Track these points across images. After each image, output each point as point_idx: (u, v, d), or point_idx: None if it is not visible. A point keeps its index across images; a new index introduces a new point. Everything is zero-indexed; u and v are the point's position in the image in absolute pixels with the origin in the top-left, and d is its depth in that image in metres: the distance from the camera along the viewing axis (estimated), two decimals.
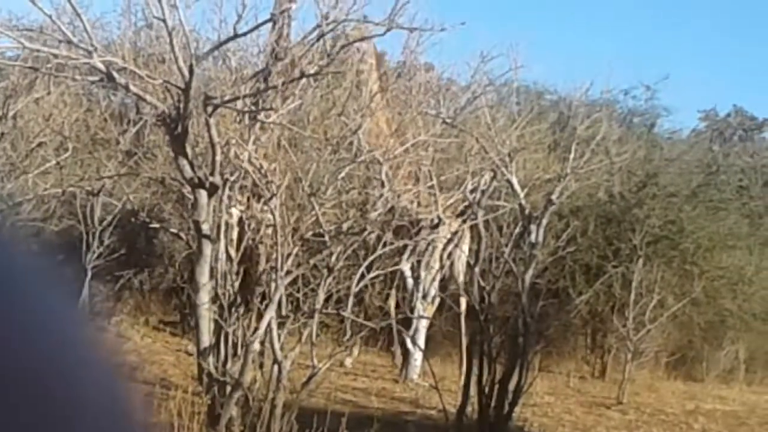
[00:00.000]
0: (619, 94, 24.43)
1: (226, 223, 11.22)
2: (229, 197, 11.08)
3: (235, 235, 11.59)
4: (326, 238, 11.22)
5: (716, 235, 19.70)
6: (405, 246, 14.24)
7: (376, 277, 14.29)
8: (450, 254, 15.63)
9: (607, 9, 50.34)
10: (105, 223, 15.27)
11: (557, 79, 32.37)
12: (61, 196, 15.35)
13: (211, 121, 9.40)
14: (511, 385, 12.54)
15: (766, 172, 29.10)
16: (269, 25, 10.46)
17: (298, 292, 11.83)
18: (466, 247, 15.87)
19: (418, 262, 15.11)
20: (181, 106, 9.19)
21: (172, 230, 12.50)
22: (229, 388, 9.80)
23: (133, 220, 15.19)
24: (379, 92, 14.00)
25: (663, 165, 20.79)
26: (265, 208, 11.23)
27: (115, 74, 9.17)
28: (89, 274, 15.62)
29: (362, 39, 11.40)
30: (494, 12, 42.01)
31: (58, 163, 14.89)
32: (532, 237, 17.03)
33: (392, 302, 16.20)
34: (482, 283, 16.66)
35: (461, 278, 16.00)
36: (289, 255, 10.84)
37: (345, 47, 10.73)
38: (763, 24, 49.18)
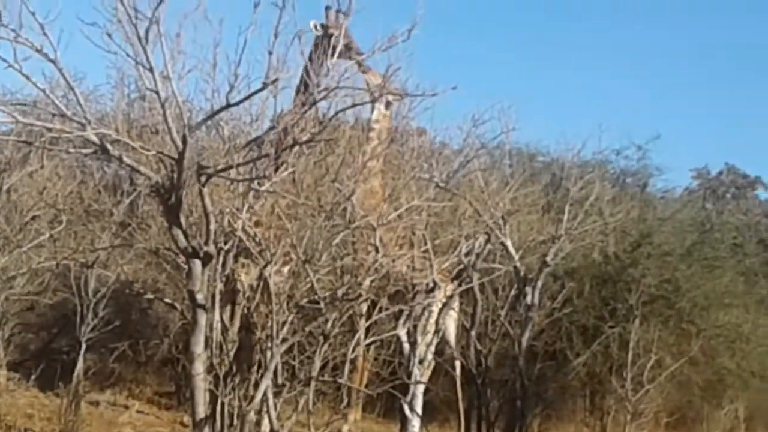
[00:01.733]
0: (610, 154, 24.63)
1: (232, 290, 11.21)
2: (243, 264, 11.10)
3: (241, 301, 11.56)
4: (321, 304, 11.19)
5: (712, 294, 19.67)
6: (401, 311, 14.19)
7: (372, 343, 14.24)
8: (443, 317, 15.58)
9: (597, 69, 50.74)
10: (99, 294, 15.21)
11: (549, 141, 32.65)
12: (55, 268, 15.34)
13: (205, 190, 9.42)
14: None
15: (760, 230, 29.19)
16: (262, 93, 10.52)
17: (294, 359, 11.77)
18: (455, 310, 15.82)
19: (414, 326, 15.03)
20: (175, 176, 9.22)
21: (167, 300, 12.45)
22: None
23: (127, 291, 15.17)
24: (374, 157, 14.04)
25: (657, 224, 20.82)
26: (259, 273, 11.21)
27: (108, 146, 9.20)
28: (84, 346, 15.52)
29: (353, 106, 11.45)
30: (485, 75, 42.37)
31: (51, 236, 14.90)
32: (528, 299, 17.03)
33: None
34: (479, 347, 16.63)
35: (452, 341, 15.93)
36: (284, 322, 10.81)
37: (337, 114, 10.78)
38: (753, 82, 49.61)
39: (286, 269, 11.49)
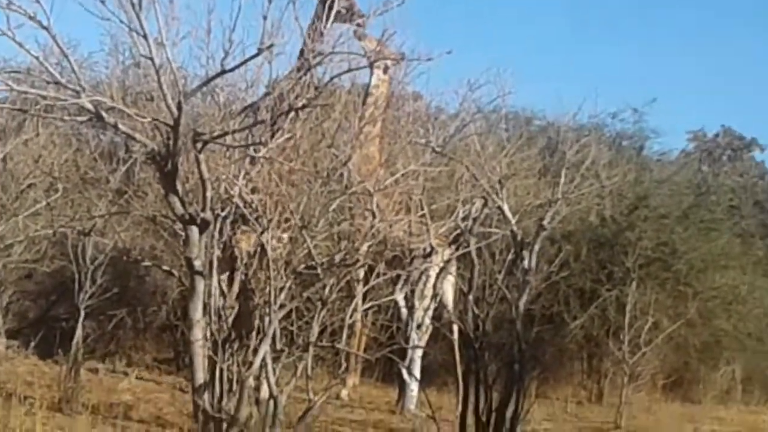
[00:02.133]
0: (606, 117, 24.57)
1: (230, 257, 11.21)
2: (243, 230, 11.09)
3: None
4: (319, 270, 11.20)
5: (709, 256, 19.73)
6: (398, 276, 14.22)
7: (371, 308, 14.27)
8: (441, 282, 15.62)
9: (593, 33, 50.59)
10: (97, 262, 15.21)
11: (545, 105, 32.53)
12: (53, 236, 15.34)
13: (201, 157, 9.40)
14: (509, 413, 12.51)
15: (757, 191, 29.23)
16: (257, 59, 10.48)
17: (292, 325, 11.79)
18: (453, 274, 15.86)
19: (412, 291, 15.08)
20: (171, 143, 9.20)
21: (165, 267, 12.47)
22: (225, 425, 9.76)
23: (125, 258, 15.17)
24: (371, 122, 14.01)
25: (653, 187, 20.85)
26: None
27: (103, 113, 9.18)
28: (82, 314, 15.54)
29: (349, 71, 11.40)
30: (480, 39, 42.23)
31: (48, 203, 14.89)
32: (525, 263, 17.01)
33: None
34: (476, 311, 16.65)
35: (450, 305, 15.98)
36: (282, 288, 10.83)
37: (333, 79, 10.75)
38: (749, 44, 49.48)
39: (285, 235, 11.50)
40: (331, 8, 10.69)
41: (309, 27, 11.42)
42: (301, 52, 11.29)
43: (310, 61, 9.78)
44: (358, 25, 12.20)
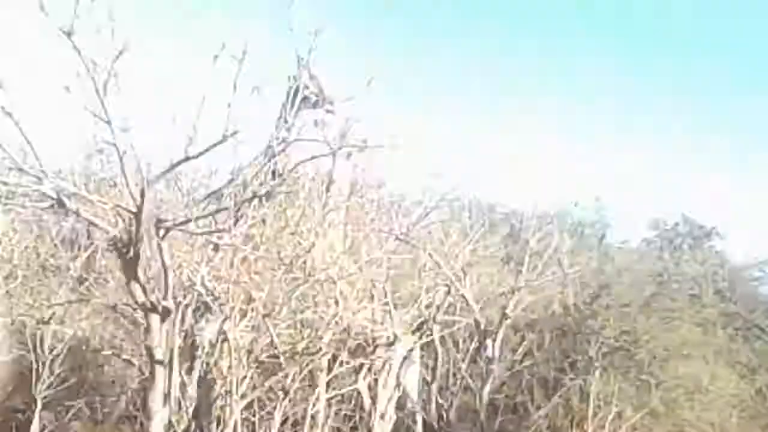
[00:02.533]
0: (568, 205, 24.70)
1: (191, 345, 11.09)
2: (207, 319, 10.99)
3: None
4: (281, 359, 11.10)
5: (671, 345, 19.75)
6: (362, 365, 14.11)
7: (333, 397, 14.11)
8: (404, 371, 15.49)
9: (552, 127, 51.16)
10: (55, 351, 14.99)
11: (507, 192, 32.70)
12: (11, 325, 15.09)
13: (164, 244, 9.33)
14: None
15: (717, 280, 29.37)
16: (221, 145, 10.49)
17: (253, 416, 11.64)
18: (416, 362, 15.77)
19: (375, 380, 14.94)
20: (133, 229, 9.13)
21: (125, 357, 12.30)
22: None
23: (84, 347, 14.95)
24: (334, 209, 14.00)
25: (615, 275, 20.92)
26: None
27: (65, 200, 9.10)
28: (39, 404, 15.28)
29: (312, 158, 11.42)
30: (444, 128, 42.47)
31: (7, 291, 14.67)
32: (489, 352, 17.01)
33: None
34: (440, 400, 16.55)
35: (414, 395, 15.86)
36: (244, 378, 10.70)
37: (296, 167, 10.76)
38: (707, 133, 50.23)
39: (242, 324, 11.40)
40: (296, 97, 10.75)
41: (278, 117, 11.49)
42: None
43: (274, 148, 9.79)
44: (328, 111, 12.24)
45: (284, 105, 11.94)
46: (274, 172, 10.72)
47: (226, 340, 10.97)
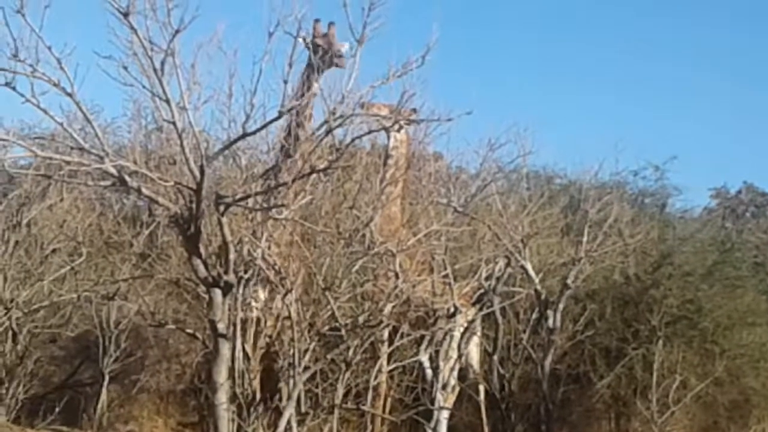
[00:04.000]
0: (628, 175, 24.43)
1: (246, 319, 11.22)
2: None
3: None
4: (342, 332, 11.18)
5: (735, 313, 19.52)
6: (422, 336, 14.17)
7: (395, 369, 14.20)
8: (466, 342, 15.53)
9: (612, 90, 50.68)
10: (120, 326, 15.23)
11: (566, 163, 32.44)
12: (77, 301, 15.35)
13: (224, 219, 9.44)
14: None
15: None
16: (280, 122, 10.56)
17: (316, 387, 11.75)
18: (477, 334, 15.80)
19: (436, 352, 15.00)
20: (193, 206, 9.25)
21: (188, 331, 12.46)
22: None
23: (149, 322, 15.18)
24: (392, 182, 14.03)
25: (677, 244, 20.70)
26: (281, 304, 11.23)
27: (127, 178, 9.25)
28: (107, 378, 15.55)
29: (369, 133, 11.46)
30: (500, 98, 42.32)
31: (72, 268, 14.93)
32: (550, 322, 16.97)
33: None
34: (502, 371, 16.58)
35: (475, 365, 15.90)
36: (306, 350, 10.81)
37: (353, 141, 10.81)
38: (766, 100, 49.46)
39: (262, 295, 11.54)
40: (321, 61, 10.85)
41: (298, 87, 11.53)
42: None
43: (330, 123, 9.84)
44: (337, 65, 12.00)
45: (305, 74, 11.92)
46: (331, 147, 10.79)
47: (288, 313, 11.08)
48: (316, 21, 12.57)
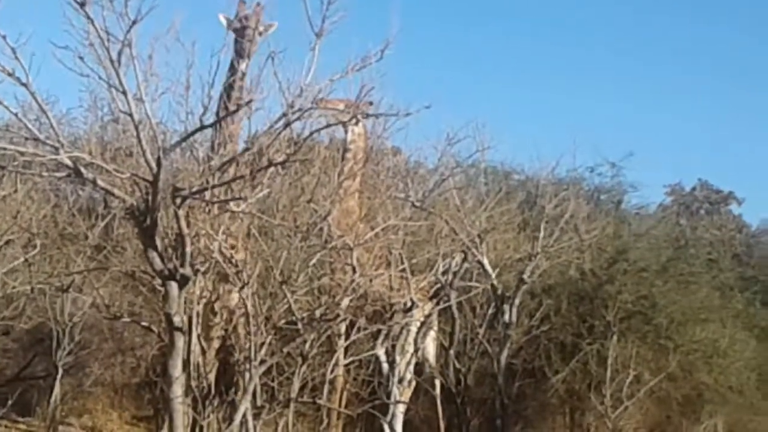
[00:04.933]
0: (585, 171, 24.57)
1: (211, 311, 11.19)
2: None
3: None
4: (299, 325, 11.17)
5: (689, 309, 19.72)
6: (379, 331, 14.19)
7: (352, 363, 14.21)
8: (423, 337, 15.57)
9: (569, 87, 51.04)
10: (75, 319, 15.10)
11: (524, 159, 32.69)
12: (30, 293, 15.21)
13: (180, 212, 9.39)
14: None
15: (734, 245, 29.31)
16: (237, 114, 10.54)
17: (272, 381, 11.73)
18: (434, 329, 15.85)
19: (393, 346, 15.03)
20: (150, 198, 9.19)
21: (144, 324, 12.38)
22: None
23: (103, 315, 15.07)
24: (350, 176, 14.03)
25: (632, 240, 20.87)
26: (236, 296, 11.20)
27: (82, 169, 9.16)
28: (60, 371, 15.42)
29: (327, 126, 11.46)
30: (458, 93, 42.47)
31: (26, 260, 14.77)
32: (506, 317, 17.05)
33: None
34: (458, 365, 16.63)
35: (432, 360, 15.95)
36: (262, 344, 10.78)
37: (311, 135, 10.78)
38: (725, 97, 50.02)
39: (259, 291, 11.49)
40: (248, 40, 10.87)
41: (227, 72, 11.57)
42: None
43: (288, 116, 9.81)
44: (249, 40, 12.02)
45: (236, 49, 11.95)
46: (289, 140, 10.76)
47: (244, 306, 11.05)
48: (241, 2, 12.50)
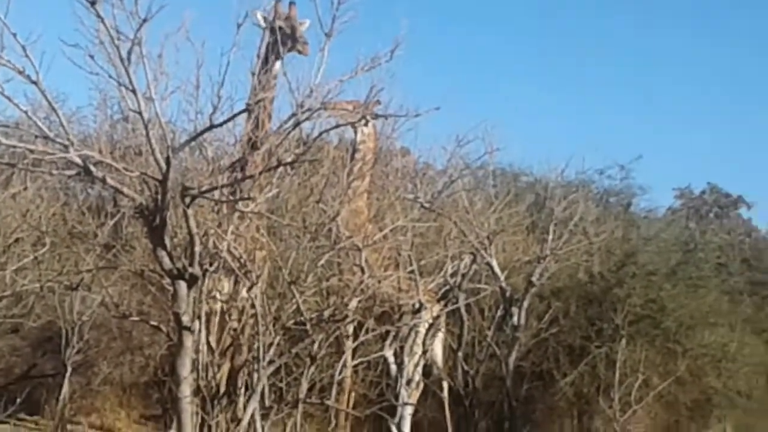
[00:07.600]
0: (594, 174, 24.53)
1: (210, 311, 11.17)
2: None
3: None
4: (308, 326, 11.16)
5: (697, 313, 19.67)
6: (387, 332, 14.17)
7: (360, 364, 14.20)
8: (431, 339, 15.55)
9: (580, 90, 51.00)
10: (84, 317, 15.12)
11: (533, 161, 32.62)
12: (40, 291, 15.23)
13: (189, 211, 9.38)
14: None
15: (744, 249, 29.24)
16: (245, 115, 10.52)
17: (281, 381, 11.73)
18: (442, 331, 15.83)
19: (401, 347, 15.01)
20: (159, 197, 9.18)
21: (152, 323, 12.38)
22: None
23: (112, 314, 15.08)
24: (359, 177, 14.03)
25: (641, 244, 20.82)
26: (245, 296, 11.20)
27: (92, 168, 9.16)
28: (69, 369, 15.44)
29: (336, 127, 11.46)
30: (468, 95, 42.45)
31: (35, 258, 14.79)
32: (515, 319, 17.02)
33: None
34: (466, 368, 16.61)
35: (440, 362, 15.93)
36: (270, 344, 10.78)
37: (321, 135, 10.78)
38: (735, 102, 49.93)
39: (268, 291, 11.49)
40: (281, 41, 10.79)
41: (258, 69, 11.47)
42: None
43: (298, 116, 9.81)
44: (299, 51, 11.85)
45: (267, 50, 11.80)
46: (298, 140, 10.76)
47: (253, 306, 11.05)
48: (278, 1, 12.36)
